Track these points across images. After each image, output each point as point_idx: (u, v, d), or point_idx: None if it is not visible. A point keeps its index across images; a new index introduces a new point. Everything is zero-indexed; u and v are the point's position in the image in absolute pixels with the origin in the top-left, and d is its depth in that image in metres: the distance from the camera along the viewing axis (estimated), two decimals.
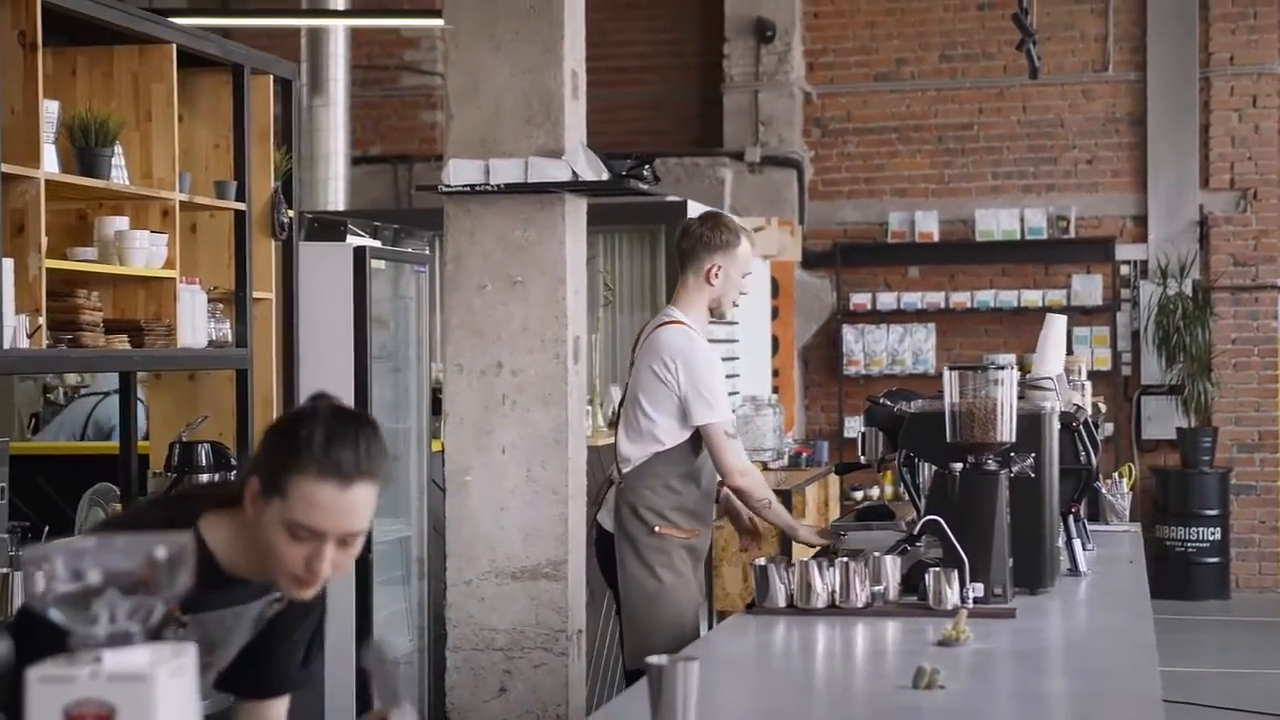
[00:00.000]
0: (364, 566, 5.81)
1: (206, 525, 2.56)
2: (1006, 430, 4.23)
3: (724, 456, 4.79)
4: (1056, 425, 4.54)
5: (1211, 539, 11.69)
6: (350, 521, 2.47)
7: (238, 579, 2.58)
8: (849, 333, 12.38)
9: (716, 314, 5.01)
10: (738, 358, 10.05)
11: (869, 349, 12.37)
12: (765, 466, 10.10)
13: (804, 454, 10.42)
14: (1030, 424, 4.40)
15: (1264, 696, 8.53)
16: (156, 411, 5.41)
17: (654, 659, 2.63)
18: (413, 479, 6.28)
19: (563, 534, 5.35)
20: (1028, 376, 5.14)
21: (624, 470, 4.90)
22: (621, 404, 5.09)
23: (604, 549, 5.03)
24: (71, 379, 8.44)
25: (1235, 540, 11.91)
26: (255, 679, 2.78)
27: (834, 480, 10.47)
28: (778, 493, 8.81)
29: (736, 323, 10.00)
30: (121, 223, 4.74)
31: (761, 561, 4.16)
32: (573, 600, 5.40)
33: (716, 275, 4.91)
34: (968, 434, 4.23)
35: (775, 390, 11.61)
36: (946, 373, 4.29)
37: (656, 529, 4.85)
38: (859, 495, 10.85)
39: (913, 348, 12.30)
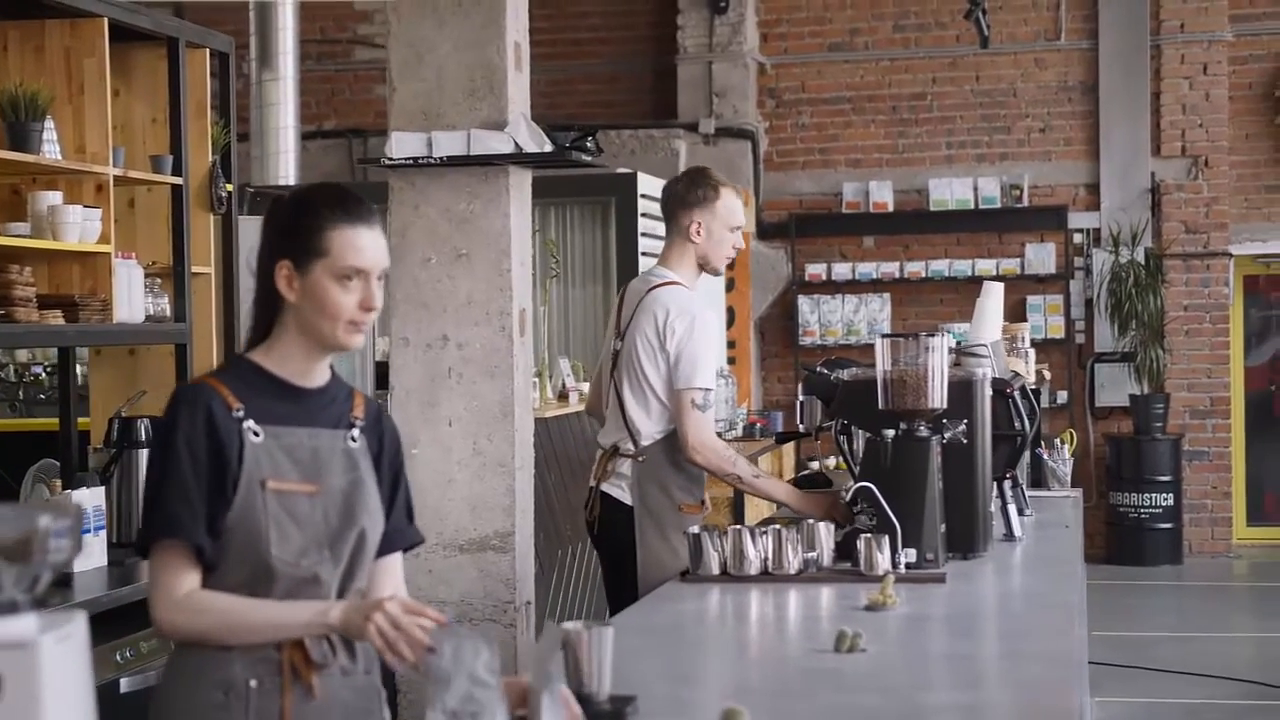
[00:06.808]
0: None
1: (251, 355, 2.83)
2: (938, 397, 4.26)
3: (683, 426, 4.67)
4: (989, 392, 4.57)
5: (1164, 505, 11.78)
6: (383, 257, 2.80)
7: (294, 386, 2.81)
8: (805, 303, 12.41)
9: (709, 270, 4.87)
10: None
11: (824, 319, 12.41)
12: (720, 436, 10.13)
13: (758, 424, 10.45)
14: (962, 391, 4.43)
15: (1217, 660, 8.60)
16: (97, 386, 5.40)
17: (569, 625, 2.66)
18: None
19: (510, 506, 5.36)
20: (963, 344, 5.18)
21: (642, 444, 4.76)
22: (613, 369, 4.90)
23: (608, 519, 4.84)
24: (22, 355, 8.44)
25: (1188, 506, 12.01)
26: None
27: (789, 450, 10.51)
28: None
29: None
30: (55, 197, 4.72)
31: (695, 530, 4.19)
32: (520, 572, 5.42)
33: (699, 232, 4.79)
34: (899, 401, 4.26)
35: (731, 361, 11.64)
36: (878, 340, 4.32)
37: (682, 506, 4.78)
38: (815, 465, 10.89)
39: (868, 318, 12.34)
